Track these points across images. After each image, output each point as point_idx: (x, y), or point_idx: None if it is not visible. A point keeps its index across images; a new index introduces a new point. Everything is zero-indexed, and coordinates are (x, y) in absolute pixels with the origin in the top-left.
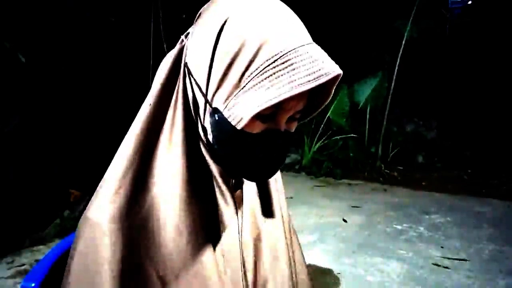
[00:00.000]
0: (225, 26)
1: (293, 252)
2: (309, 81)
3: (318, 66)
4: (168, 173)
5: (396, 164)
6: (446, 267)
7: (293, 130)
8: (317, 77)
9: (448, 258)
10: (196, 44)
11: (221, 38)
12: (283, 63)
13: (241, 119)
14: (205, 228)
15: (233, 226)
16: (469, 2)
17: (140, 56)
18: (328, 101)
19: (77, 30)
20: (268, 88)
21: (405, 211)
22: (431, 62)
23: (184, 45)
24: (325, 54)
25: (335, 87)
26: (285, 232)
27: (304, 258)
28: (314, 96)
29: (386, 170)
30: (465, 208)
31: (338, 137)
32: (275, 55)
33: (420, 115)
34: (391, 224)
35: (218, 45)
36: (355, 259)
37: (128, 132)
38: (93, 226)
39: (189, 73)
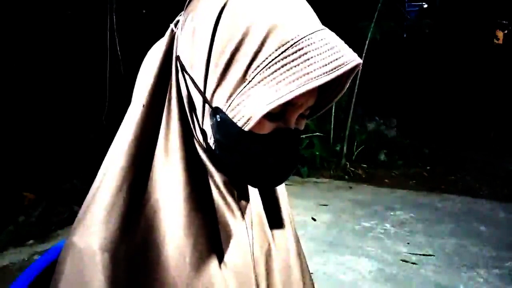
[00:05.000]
0: (224, 11)
1: (301, 263)
2: (326, 72)
3: (336, 55)
4: (167, 184)
5: (360, 162)
6: (414, 263)
7: (302, 128)
8: (335, 68)
9: (415, 254)
10: (189, 33)
11: (219, 25)
12: (295, 52)
13: (249, 119)
14: (212, 246)
15: (243, 241)
16: (425, 6)
17: (96, 55)
18: (342, 93)
19: (30, 24)
20: (280, 82)
21: (371, 208)
22: (390, 63)
23: (175, 35)
24: (341, 41)
25: (352, 78)
26: (295, 242)
27: (308, 266)
28: (326, 89)
29: (351, 168)
30: (427, 204)
31: (303, 136)
32: (286, 43)
33: (380, 114)
34: (359, 221)
35: (216, 34)
36: (327, 258)
37: (117, 138)
38: (81, 255)
39: (183, 68)
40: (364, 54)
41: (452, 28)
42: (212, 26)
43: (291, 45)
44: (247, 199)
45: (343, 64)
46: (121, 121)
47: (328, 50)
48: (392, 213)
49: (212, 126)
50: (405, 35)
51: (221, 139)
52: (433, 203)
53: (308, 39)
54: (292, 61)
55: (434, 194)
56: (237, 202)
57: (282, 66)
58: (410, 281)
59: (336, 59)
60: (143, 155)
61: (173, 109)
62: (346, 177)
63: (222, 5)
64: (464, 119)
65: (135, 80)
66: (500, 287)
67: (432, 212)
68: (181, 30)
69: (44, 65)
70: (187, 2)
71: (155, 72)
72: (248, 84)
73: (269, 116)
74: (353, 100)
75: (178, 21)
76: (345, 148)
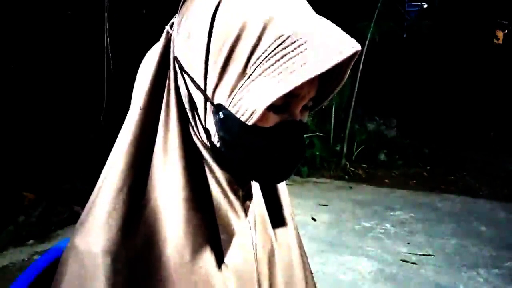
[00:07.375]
0: (219, 8)
1: (304, 262)
2: (325, 60)
3: (335, 42)
4: (166, 184)
5: (361, 162)
6: (414, 263)
7: (305, 120)
8: (334, 55)
9: (415, 254)
10: (185, 34)
11: (216, 22)
12: (293, 42)
13: (253, 112)
14: (212, 246)
15: (246, 241)
16: (425, 6)
17: (97, 55)
18: (343, 83)
19: (29, 24)
20: (280, 73)
21: (371, 208)
22: (390, 63)
23: (171, 36)
24: (339, 29)
25: (351, 66)
26: (296, 240)
27: (309, 264)
28: (326, 79)
29: (351, 168)
30: (427, 204)
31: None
32: (284, 34)
33: (380, 114)
34: (359, 221)
35: (213, 31)
36: (327, 258)
37: (118, 142)
38: (83, 257)
39: (181, 68)
40: (363, 54)
41: (452, 28)
42: (208, 24)
43: (289, 36)
44: (250, 199)
45: (342, 51)
46: (120, 121)
47: (327, 38)
48: (392, 213)
49: (216, 123)
50: (405, 35)
51: (225, 135)
52: (433, 203)
53: (306, 28)
54: (292, 51)
55: (434, 194)
56: (241, 201)
57: (282, 57)
58: (410, 281)
59: (336, 47)
60: (143, 156)
61: (171, 110)
62: (346, 177)
63: (217, 3)
64: (464, 119)
65: (132, 81)
66: (500, 287)
67: (432, 212)
68: (177, 31)
69: (44, 65)
70: (181, 3)
71: (152, 75)
72: (248, 78)
73: (273, 108)
74: (353, 100)
75: (173, 23)
76: (345, 148)
